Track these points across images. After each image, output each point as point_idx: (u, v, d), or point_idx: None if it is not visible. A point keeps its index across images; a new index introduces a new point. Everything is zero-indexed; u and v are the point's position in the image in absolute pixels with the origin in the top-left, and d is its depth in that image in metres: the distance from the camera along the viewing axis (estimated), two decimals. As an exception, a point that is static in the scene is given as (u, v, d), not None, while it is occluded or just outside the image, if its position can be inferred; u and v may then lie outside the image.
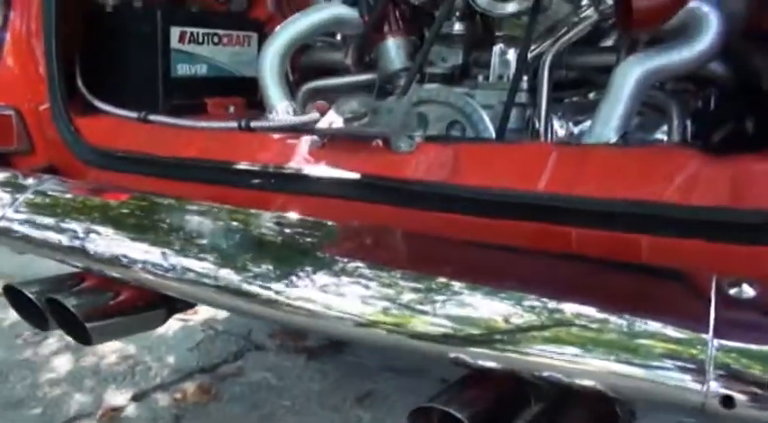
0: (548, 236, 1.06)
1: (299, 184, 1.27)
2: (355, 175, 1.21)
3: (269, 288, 1.03)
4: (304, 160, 1.31)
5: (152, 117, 1.62)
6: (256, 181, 1.32)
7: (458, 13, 1.56)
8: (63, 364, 2.29)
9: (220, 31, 1.87)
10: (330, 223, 1.13)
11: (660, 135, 1.47)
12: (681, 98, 1.42)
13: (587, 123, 1.54)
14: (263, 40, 2.01)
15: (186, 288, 1.13)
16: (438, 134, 1.41)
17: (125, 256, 1.19)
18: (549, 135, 1.52)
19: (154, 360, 2.32)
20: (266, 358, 2.37)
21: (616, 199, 1.02)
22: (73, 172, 1.68)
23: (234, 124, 1.49)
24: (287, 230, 1.16)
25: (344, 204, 1.22)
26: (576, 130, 1.55)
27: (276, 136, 1.41)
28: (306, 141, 1.34)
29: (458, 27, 1.57)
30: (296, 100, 1.85)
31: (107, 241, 1.23)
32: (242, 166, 1.34)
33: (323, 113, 1.39)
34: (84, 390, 2.18)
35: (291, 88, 1.81)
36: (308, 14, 1.72)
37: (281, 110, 1.69)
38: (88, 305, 1.27)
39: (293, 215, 1.19)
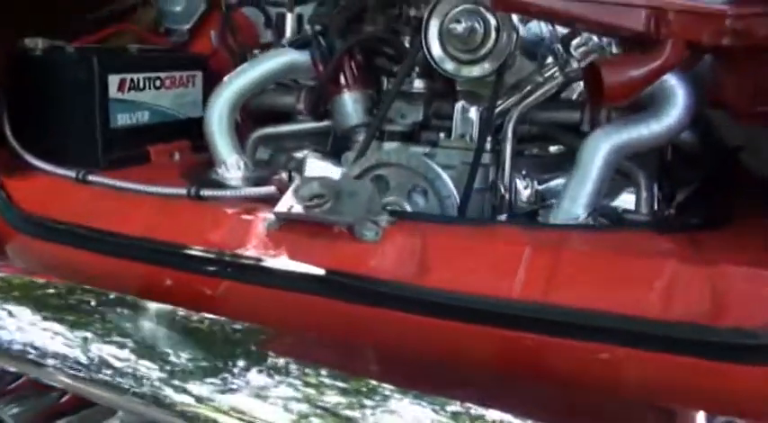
0: (518, 345, 1.02)
1: (253, 274, 1.19)
2: (316, 269, 1.14)
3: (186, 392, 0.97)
4: (261, 244, 1.23)
5: (91, 177, 1.50)
6: (206, 267, 1.23)
7: (418, 70, 1.49)
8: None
9: (162, 74, 1.75)
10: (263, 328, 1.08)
11: (627, 195, 1.44)
12: (647, 164, 1.39)
13: (553, 182, 1.51)
14: (207, 78, 1.90)
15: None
16: (402, 210, 1.34)
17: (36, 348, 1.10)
18: (513, 194, 1.48)
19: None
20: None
21: (589, 310, 0.98)
22: (4, 235, 1.55)
23: (182, 191, 1.40)
24: (216, 329, 1.10)
25: (303, 299, 1.15)
26: (540, 187, 1.51)
27: (230, 211, 1.32)
28: (262, 221, 1.26)
29: (418, 84, 1.50)
30: (244, 147, 1.76)
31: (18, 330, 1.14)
32: (192, 250, 1.25)
33: (280, 190, 1.31)
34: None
35: (240, 131, 1.72)
36: (258, 63, 1.63)
37: (232, 165, 1.61)
38: (29, 411, 1.17)
39: (224, 316, 1.13)
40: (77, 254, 1.39)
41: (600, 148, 1.27)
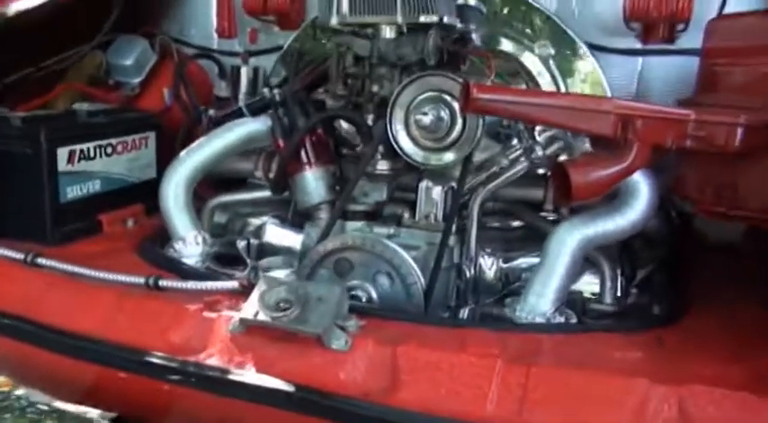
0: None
1: (218, 385, 1.15)
2: (284, 385, 1.11)
3: None
4: (225, 349, 1.18)
5: (41, 261, 1.43)
6: (168, 376, 1.18)
7: (382, 150, 1.47)
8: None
9: (114, 140, 1.68)
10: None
11: (589, 277, 1.45)
12: (610, 251, 1.40)
13: (517, 261, 1.51)
14: (160, 136, 1.84)
15: None
16: (370, 307, 1.31)
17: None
18: (478, 273, 1.48)
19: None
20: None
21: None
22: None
23: (140, 280, 1.35)
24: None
25: (270, 412, 1.12)
26: (505, 266, 1.51)
27: (191, 307, 1.27)
28: (226, 321, 1.22)
29: (382, 166, 1.48)
30: (202, 214, 1.71)
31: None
32: (152, 357, 1.20)
33: (244, 287, 1.27)
34: None
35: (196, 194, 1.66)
36: (215, 137, 1.58)
37: (190, 241, 1.56)
38: None
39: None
40: (25, 349, 1.32)
41: (566, 244, 1.27)
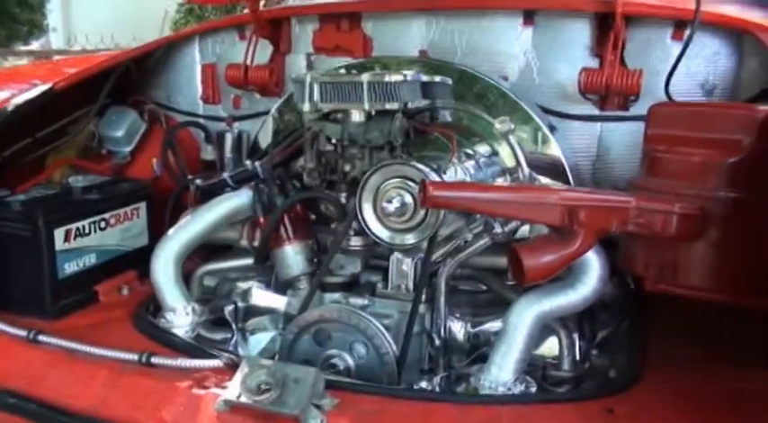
0: None
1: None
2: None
3: None
4: (213, 429, 1.30)
5: (42, 337, 1.54)
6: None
7: (355, 227, 1.58)
8: None
9: (107, 215, 1.80)
10: None
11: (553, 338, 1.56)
12: (567, 320, 1.51)
13: (486, 326, 1.61)
14: (150, 205, 1.95)
15: None
16: (342, 381, 1.42)
17: None
18: (446, 335, 1.58)
19: None
20: None
21: None
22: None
23: (134, 357, 1.45)
24: None
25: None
26: (474, 330, 1.62)
27: (181, 385, 1.38)
28: (213, 398, 1.33)
29: (355, 242, 1.59)
30: (191, 281, 1.82)
31: None
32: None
33: (228, 366, 1.39)
34: None
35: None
36: (201, 215, 1.69)
37: (180, 312, 1.67)
38: None
39: None
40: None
41: (524, 318, 1.38)
